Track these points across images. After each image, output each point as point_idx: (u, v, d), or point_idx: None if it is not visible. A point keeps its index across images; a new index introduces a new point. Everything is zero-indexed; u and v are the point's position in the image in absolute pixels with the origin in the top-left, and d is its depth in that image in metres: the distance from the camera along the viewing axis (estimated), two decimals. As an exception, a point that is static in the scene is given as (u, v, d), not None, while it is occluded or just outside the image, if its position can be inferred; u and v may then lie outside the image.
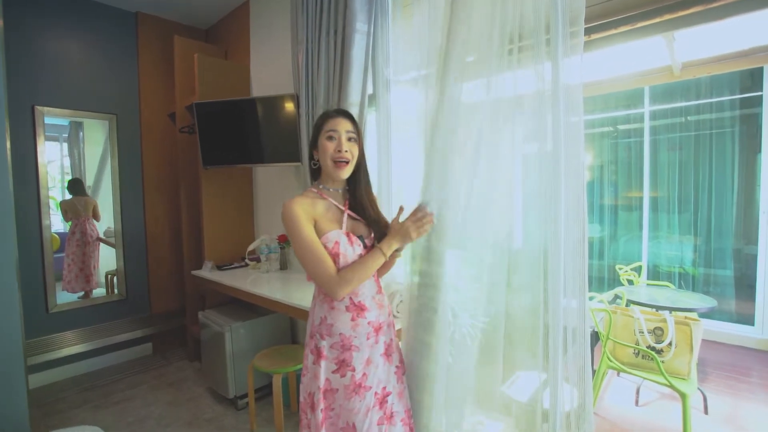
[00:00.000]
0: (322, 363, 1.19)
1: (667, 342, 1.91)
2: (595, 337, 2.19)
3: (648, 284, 3.18)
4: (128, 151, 3.12)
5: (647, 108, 3.86)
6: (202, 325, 2.54)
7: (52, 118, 2.86)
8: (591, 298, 2.42)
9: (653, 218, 3.89)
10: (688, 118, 3.70)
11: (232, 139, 2.54)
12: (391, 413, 1.27)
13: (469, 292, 1.61)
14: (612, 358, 2.07)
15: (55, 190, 2.99)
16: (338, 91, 1.94)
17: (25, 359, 1.55)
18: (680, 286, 3.70)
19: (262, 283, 2.26)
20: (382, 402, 1.24)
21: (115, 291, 3.13)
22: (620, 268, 3.14)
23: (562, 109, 1.24)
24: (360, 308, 1.22)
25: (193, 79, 2.75)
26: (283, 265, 2.64)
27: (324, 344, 1.20)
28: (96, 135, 3.06)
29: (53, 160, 3.04)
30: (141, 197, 3.19)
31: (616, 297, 2.69)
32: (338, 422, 1.21)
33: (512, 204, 1.40)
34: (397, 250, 1.28)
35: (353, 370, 1.20)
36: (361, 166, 1.28)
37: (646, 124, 3.88)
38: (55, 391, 2.63)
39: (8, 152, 1.49)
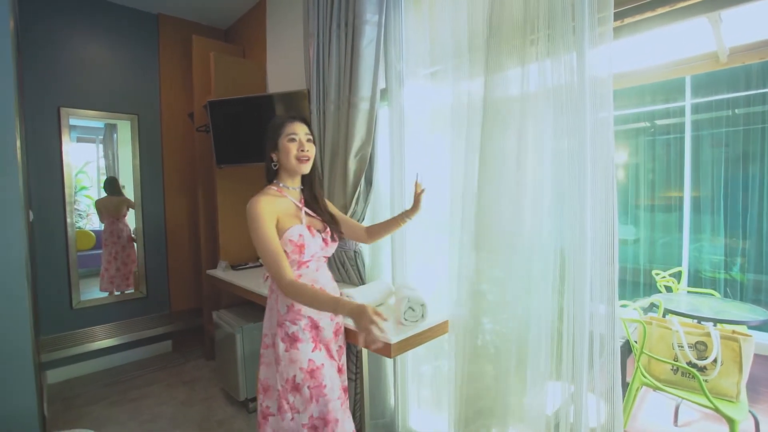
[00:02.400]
0: (300, 346, 1.26)
1: (711, 359, 1.71)
2: (628, 349, 2.00)
3: (689, 291, 2.91)
4: (149, 150, 3.17)
5: (688, 101, 3.56)
6: (216, 325, 2.52)
7: (87, 120, 2.95)
8: (624, 306, 2.23)
9: (695, 219, 3.58)
10: (736, 111, 3.38)
11: (246, 136, 2.50)
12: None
13: (491, 295, 1.51)
14: (646, 374, 1.88)
15: (93, 189, 3.14)
16: (349, 85, 1.86)
17: (34, 357, 1.56)
18: (726, 295, 3.38)
19: (273, 284, 2.21)
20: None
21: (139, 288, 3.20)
22: (657, 273, 2.89)
23: (588, 104, 1.15)
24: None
25: (210, 78, 2.75)
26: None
27: (297, 328, 1.27)
28: (129, 136, 3.13)
29: (90, 161, 3.15)
30: (161, 196, 3.24)
31: (653, 305, 2.46)
32: (333, 393, 1.27)
33: (535, 204, 1.30)
34: (407, 218, 1.47)
35: (327, 346, 1.34)
36: (316, 166, 1.39)
37: (687, 119, 3.58)
38: (78, 385, 2.69)
39: (18, 151, 1.49)
